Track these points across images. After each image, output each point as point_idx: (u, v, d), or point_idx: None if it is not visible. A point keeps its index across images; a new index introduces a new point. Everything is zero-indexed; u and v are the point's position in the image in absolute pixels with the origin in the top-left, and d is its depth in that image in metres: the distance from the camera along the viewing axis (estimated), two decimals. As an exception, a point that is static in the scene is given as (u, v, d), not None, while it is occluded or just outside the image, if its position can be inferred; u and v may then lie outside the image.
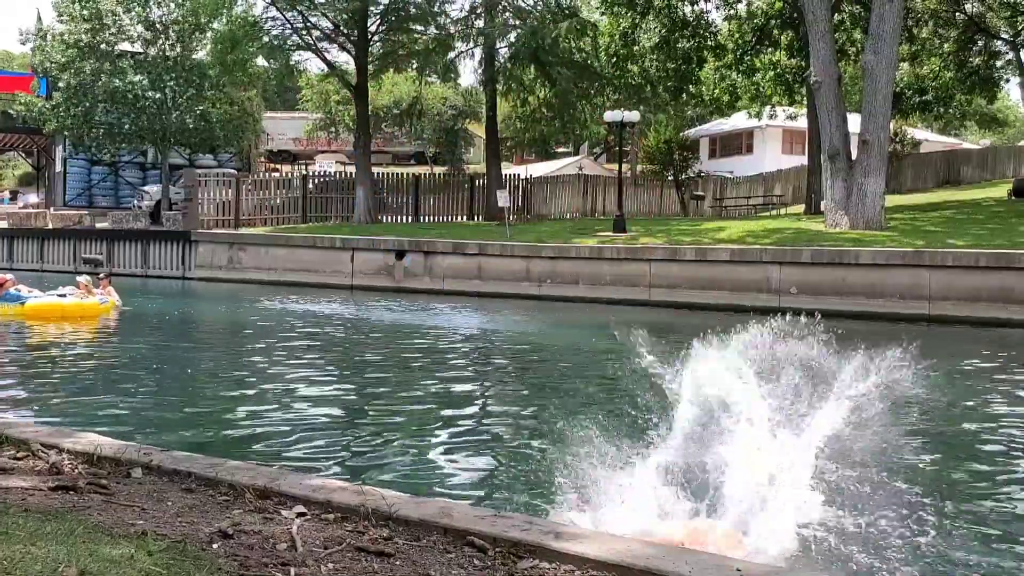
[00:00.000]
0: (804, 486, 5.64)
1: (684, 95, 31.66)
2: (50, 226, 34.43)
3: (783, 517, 5.02)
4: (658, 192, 36.22)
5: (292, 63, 30.66)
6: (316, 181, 32.22)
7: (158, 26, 34.00)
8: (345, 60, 31.99)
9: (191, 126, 34.46)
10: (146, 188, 37.21)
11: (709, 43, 29.79)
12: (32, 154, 50.79)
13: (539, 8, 29.98)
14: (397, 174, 35.20)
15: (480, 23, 29.81)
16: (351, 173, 32.06)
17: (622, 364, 12.03)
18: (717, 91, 32.18)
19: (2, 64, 60.12)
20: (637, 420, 7.89)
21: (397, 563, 3.16)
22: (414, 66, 31.04)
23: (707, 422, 5.48)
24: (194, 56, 34.08)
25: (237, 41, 27.84)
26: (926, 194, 34.54)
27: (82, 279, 16.75)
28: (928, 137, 46.88)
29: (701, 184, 37.30)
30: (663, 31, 28.90)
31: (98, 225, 33.74)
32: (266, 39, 28.93)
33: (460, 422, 7.74)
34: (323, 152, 52.41)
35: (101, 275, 18.18)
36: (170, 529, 3.40)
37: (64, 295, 16.18)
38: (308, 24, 29.39)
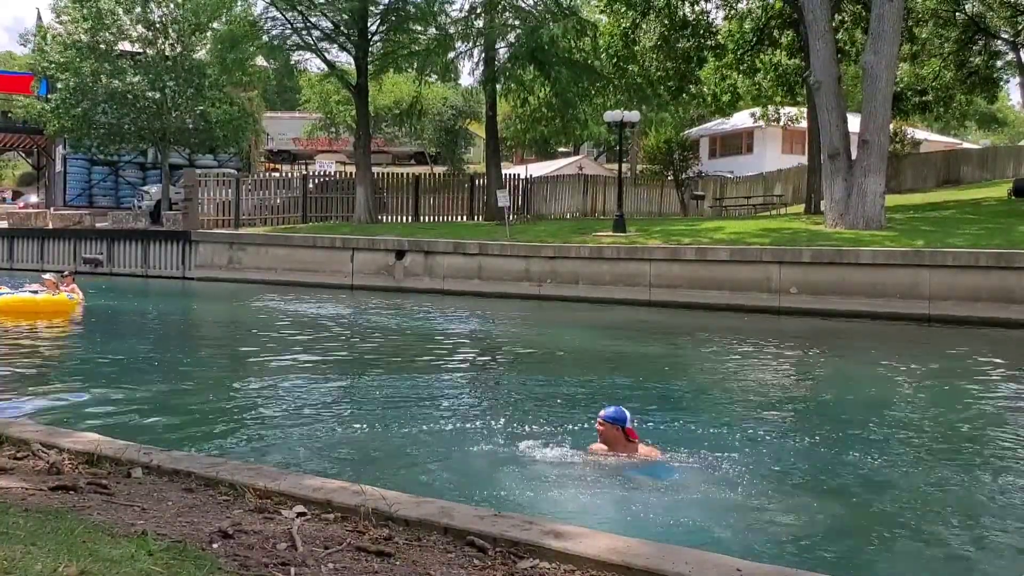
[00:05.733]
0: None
1: (685, 95, 31.65)
2: (50, 226, 34.41)
3: None
4: (658, 192, 36.21)
5: (292, 63, 30.64)
6: (316, 181, 32.21)
7: (158, 26, 33.97)
8: (345, 60, 32.01)
9: (191, 126, 34.44)
10: (146, 188, 37.18)
11: (709, 43, 29.80)
12: (32, 154, 50.79)
13: (539, 8, 29.96)
14: (397, 174, 35.17)
15: (480, 23, 29.80)
16: (351, 173, 32.04)
17: (621, 363, 12.05)
18: (718, 90, 32.17)
19: (4, 65, 60.00)
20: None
21: (397, 563, 3.16)
22: (414, 66, 30.98)
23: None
24: (194, 56, 34.06)
25: (237, 41, 27.82)
26: (926, 194, 34.52)
27: (48, 276, 17.17)
28: (928, 137, 46.86)
29: (701, 184, 37.31)
30: (663, 31, 28.90)
31: (98, 225, 33.73)
32: (266, 39, 28.92)
33: (461, 421, 7.74)
34: (323, 152, 52.38)
35: (65, 272, 18.49)
36: (170, 529, 3.40)
37: (36, 291, 16.34)
38: (308, 24, 29.37)
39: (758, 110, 34.34)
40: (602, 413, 6.34)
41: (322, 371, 10.92)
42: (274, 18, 29.36)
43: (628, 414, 6.31)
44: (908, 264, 17.09)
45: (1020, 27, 32.28)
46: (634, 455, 6.25)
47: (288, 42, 29.42)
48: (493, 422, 7.59)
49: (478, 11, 29.81)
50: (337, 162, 43.60)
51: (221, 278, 26.36)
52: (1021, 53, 33.76)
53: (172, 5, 33.85)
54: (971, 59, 32.40)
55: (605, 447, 6.30)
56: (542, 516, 4.11)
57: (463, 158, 55.68)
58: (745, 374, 11.42)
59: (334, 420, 7.91)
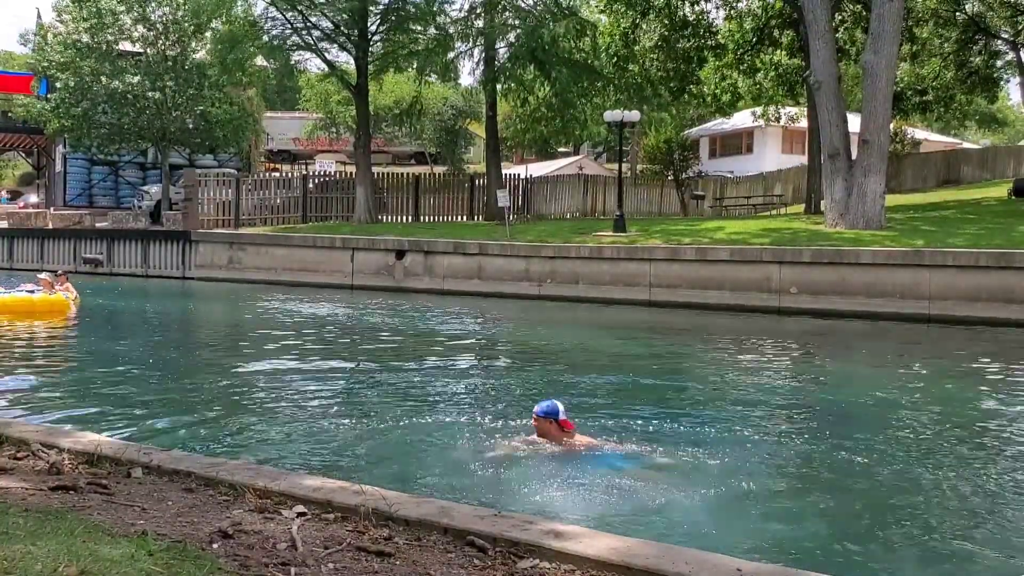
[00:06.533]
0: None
1: (685, 95, 31.67)
2: (50, 226, 34.41)
3: None
4: (658, 192, 36.22)
5: (292, 63, 30.64)
6: (316, 181, 32.21)
7: (158, 26, 33.97)
8: (345, 60, 32.01)
9: (191, 126, 34.43)
10: (146, 188, 37.16)
11: (709, 43, 29.81)
12: (32, 154, 50.79)
13: (539, 8, 29.96)
14: (397, 174, 35.17)
15: (480, 23, 29.80)
16: (351, 173, 32.05)
17: (621, 363, 12.04)
18: (718, 90, 32.18)
19: (4, 65, 59.98)
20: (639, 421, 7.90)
21: (397, 563, 3.16)
22: (414, 66, 30.99)
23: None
24: (194, 56, 34.06)
25: (237, 41, 27.81)
26: (926, 194, 34.52)
27: (43, 276, 17.20)
28: (928, 137, 46.88)
29: (701, 184, 37.31)
30: (663, 31, 28.90)
31: (98, 225, 33.72)
32: (266, 39, 28.91)
33: (460, 421, 7.74)
34: (323, 152, 52.35)
35: (59, 272, 18.51)
36: (170, 529, 3.40)
37: (32, 291, 16.39)
38: (308, 24, 29.38)
39: (758, 110, 34.34)
40: (536, 409, 6.74)
41: (322, 371, 10.92)
42: (274, 18, 29.37)
43: (561, 406, 6.73)
44: (908, 264, 17.09)
45: (1020, 27, 32.28)
46: (571, 442, 6.62)
47: (288, 42, 29.42)
48: (493, 422, 7.59)
49: (478, 11, 29.81)
50: (337, 162, 43.57)
51: (221, 278, 26.35)
52: (1021, 53, 33.75)
53: (173, 5, 33.85)
54: (971, 59, 32.40)
55: (543, 440, 6.66)
56: (542, 516, 4.10)
57: (463, 158, 55.68)
58: (745, 374, 11.42)
59: (334, 420, 7.91)
